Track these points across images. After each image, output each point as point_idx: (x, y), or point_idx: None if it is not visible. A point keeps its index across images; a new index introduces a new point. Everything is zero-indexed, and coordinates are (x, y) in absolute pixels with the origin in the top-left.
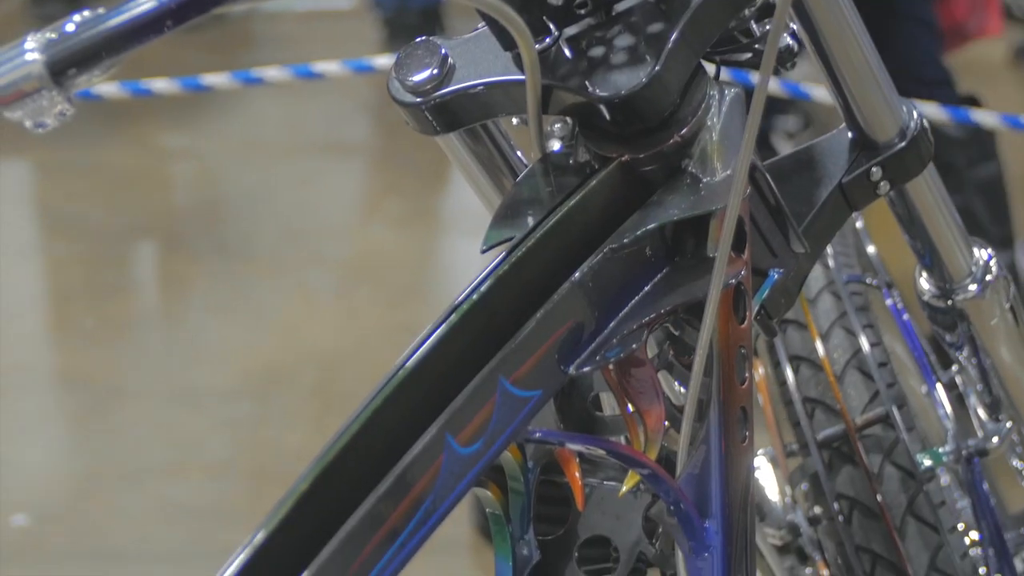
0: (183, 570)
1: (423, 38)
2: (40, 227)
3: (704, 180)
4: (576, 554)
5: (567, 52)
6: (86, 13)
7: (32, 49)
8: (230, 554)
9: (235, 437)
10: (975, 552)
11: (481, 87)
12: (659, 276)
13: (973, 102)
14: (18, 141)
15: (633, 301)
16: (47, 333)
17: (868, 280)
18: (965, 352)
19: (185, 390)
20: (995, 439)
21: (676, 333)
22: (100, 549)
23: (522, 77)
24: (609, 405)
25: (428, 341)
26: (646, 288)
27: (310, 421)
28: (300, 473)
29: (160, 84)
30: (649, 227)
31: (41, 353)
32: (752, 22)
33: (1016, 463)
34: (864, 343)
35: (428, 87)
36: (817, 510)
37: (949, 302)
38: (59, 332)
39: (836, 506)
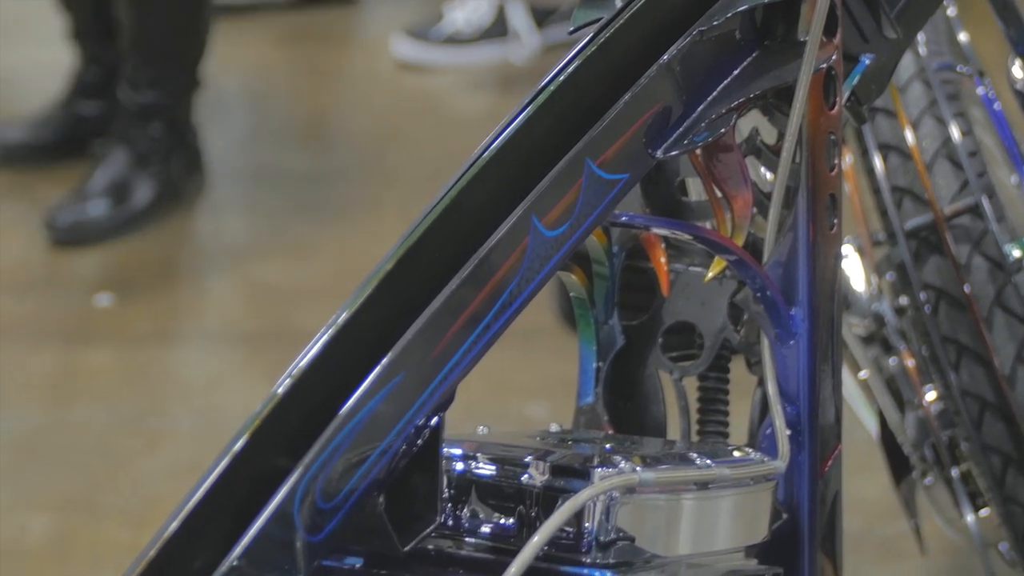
0: (265, 352)
1: None
2: None
3: None
4: (660, 340)
5: None
6: None
7: None
8: (313, 335)
9: (321, 219)
10: None
11: None
12: (748, 60)
13: None
14: None
15: (722, 85)
16: None
17: (959, 68)
18: None
19: (267, 168)
20: None
21: (765, 118)
22: (184, 330)
23: None
24: (695, 191)
25: (514, 123)
26: (735, 72)
27: (394, 205)
28: (384, 254)
29: None
30: (739, 9)
31: None
32: None
33: None
34: (954, 132)
35: None
36: (903, 300)
37: None
38: None
39: (922, 296)
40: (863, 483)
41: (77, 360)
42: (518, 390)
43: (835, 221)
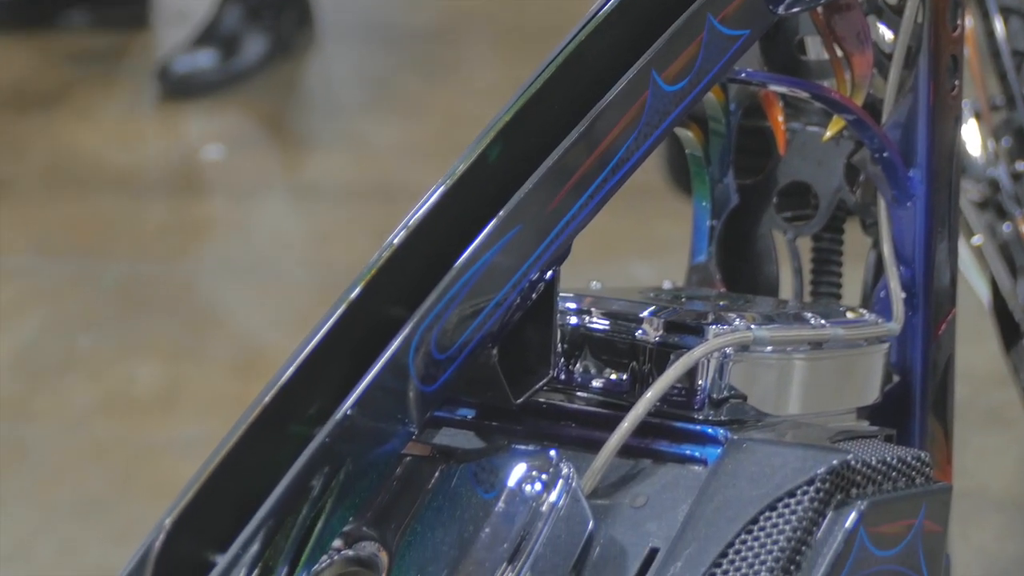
0: (373, 206)
1: None
2: None
3: None
4: (775, 200)
5: None
6: None
7: None
8: (422, 194)
9: (429, 77)
10: None
11: None
12: None
13: None
14: None
15: None
16: None
17: None
18: None
19: (378, 25)
20: None
21: None
22: (292, 183)
23: None
24: (815, 50)
25: None
26: None
27: (502, 62)
28: (502, 106)
29: None
30: None
31: None
32: None
33: None
34: None
35: None
36: (1020, 166)
37: None
38: None
39: None
40: (972, 351)
41: (185, 211)
42: (624, 250)
43: (956, 83)
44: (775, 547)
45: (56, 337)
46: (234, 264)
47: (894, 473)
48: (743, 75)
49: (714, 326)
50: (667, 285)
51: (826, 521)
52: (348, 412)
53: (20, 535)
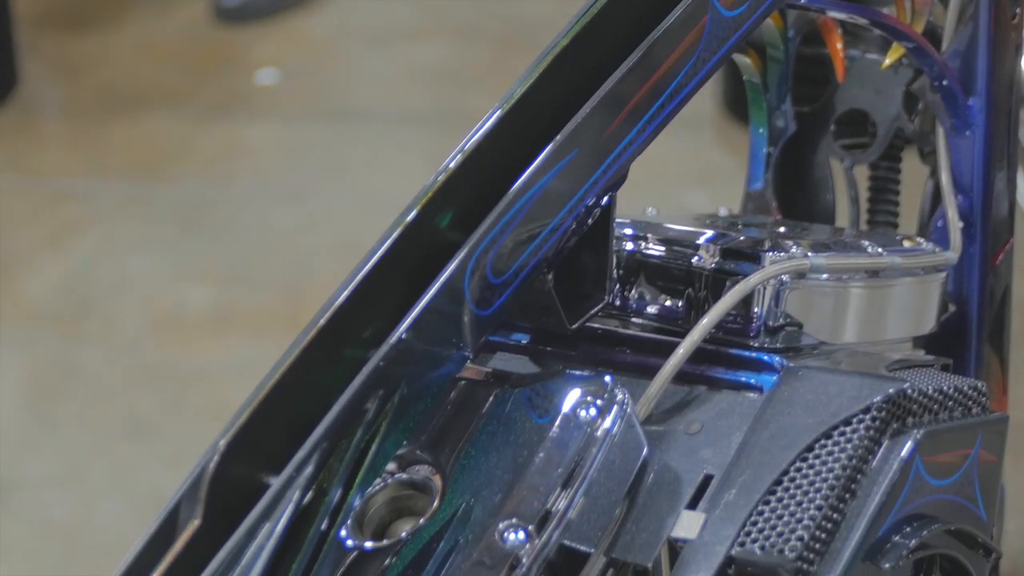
0: (425, 130)
1: None
2: None
3: None
4: (832, 127)
5: None
6: None
7: None
8: (479, 118)
9: (481, 5)
10: None
11: None
12: None
13: None
14: None
15: None
16: None
17: None
18: None
19: None
20: None
21: None
22: (345, 108)
23: None
24: None
25: None
26: None
27: None
28: (559, 30)
29: None
30: None
31: None
32: None
33: None
34: None
35: None
36: None
37: None
38: None
39: None
40: None
41: (239, 136)
42: (678, 178)
43: (1017, 11)
44: (830, 475)
45: (109, 259)
46: (285, 190)
47: (950, 403)
48: (803, 1)
49: (771, 253)
50: (723, 212)
51: (882, 450)
52: (403, 335)
53: (73, 458)
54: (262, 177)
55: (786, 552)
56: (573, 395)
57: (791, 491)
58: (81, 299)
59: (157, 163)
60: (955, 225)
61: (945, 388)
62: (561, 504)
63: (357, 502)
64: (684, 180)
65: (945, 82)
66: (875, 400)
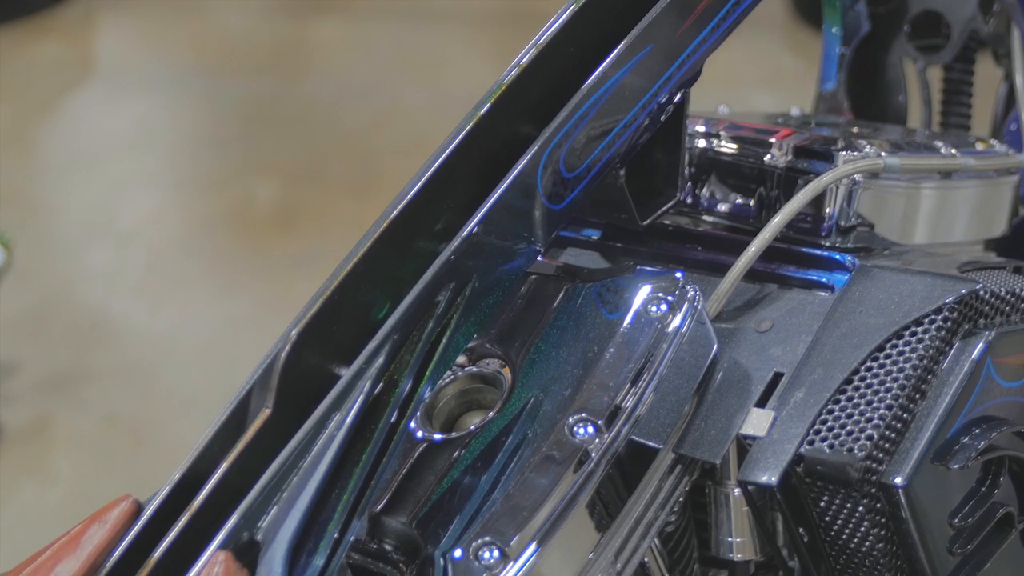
0: (496, 32)
1: None
2: None
3: None
4: (906, 28)
5: None
6: None
7: None
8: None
9: None
10: None
11: None
12: None
13: None
14: None
15: None
16: None
17: None
18: None
19: None
20: None
21: None
22: (414, 7)
23: None
24: None
25: None
26: None
27: None
28: None
29: None
30: None
31: None
32: None
33: None
34: None
35: None
36: None
37: None
38: None
39: None
40: None
41: (307, 32)
42: (747, 80)
43: None
44: (900, 375)
45: (178, 155)
46: (353, 88)
47: (1023, 305)
48: None
49: (844, 152)
50: (795, 111)
51: (953, 350)
52: (475, 229)
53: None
54: (331, 74)
55: (855, 451)
56: (644, 291)
57: (861, 390)
58: (151, 195)
59: (225, 58)
60: None
61: (1018, 290)
62: (630, 400)
63: (427, 394)
64: (754, 82)
65: None
66: (947, 300)
